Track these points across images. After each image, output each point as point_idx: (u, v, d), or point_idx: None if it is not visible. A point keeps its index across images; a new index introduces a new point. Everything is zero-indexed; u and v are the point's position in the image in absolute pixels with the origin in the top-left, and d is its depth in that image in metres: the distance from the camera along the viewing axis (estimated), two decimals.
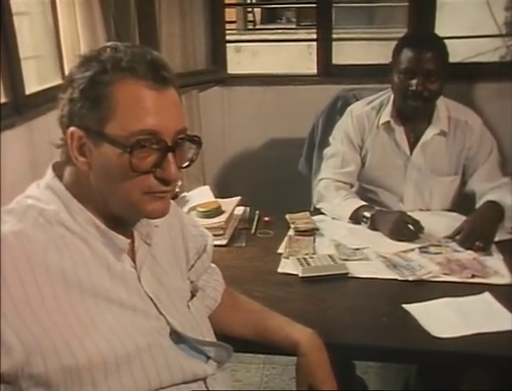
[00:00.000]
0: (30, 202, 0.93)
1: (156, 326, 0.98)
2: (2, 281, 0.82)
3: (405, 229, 1.77)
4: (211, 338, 1.10)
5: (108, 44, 0.94)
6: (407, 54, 1.89)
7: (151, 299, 0.99)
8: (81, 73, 0.90)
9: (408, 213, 1.83)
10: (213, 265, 1.29)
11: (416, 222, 1.78)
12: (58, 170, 0.97)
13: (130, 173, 0.89)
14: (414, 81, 1.87)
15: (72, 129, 0.91)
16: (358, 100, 2.23)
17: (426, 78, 1.86)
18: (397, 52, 1.94)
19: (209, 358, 1.06)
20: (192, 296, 1.12)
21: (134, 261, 1.00)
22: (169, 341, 0.99)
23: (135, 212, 0.95)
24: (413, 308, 1.37)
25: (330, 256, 1.62)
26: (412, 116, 1.98)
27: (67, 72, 2.48)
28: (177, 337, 1.01)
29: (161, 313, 1.00)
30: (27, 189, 0.98)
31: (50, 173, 0.97)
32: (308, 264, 1.57)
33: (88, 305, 0.90)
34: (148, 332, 0.96)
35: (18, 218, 0.89)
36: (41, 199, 0.93)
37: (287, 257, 1.67)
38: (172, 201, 1.20)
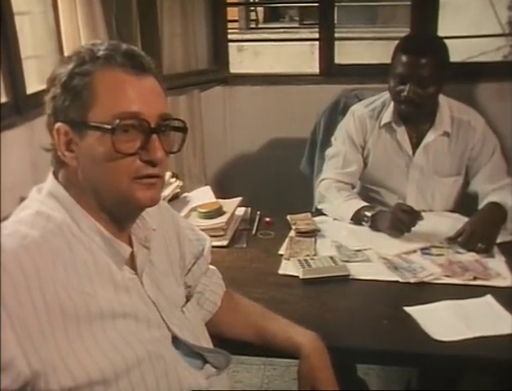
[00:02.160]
0: (36, 208, 0.91)
1: (158, 335, 0.97)
2: (16, 303, 0.80)
3: (403, 216, 1.75)
4: (206, 340, 1.09)
5: (89, 42, 0.96)
6: (401, 59, 1.87)
7: (154, 304, 0.98)
8: (61, 70, 0.92)
9: None
10: (213, 267, 1.28)
11: (412, 209, 1.76)
12: (57, 176, 0.96)
13: (114, 156, 0.89)
14: (406, 87, 1.85)
15: (58, 124, 0.91)
16: (360, 100, 2.22)
17: (418, 85, 1.84)
18: (394, 56, 1.92)
19: (206, 362, 1.06)
20: (186, 301, 1.11)
21: (132, 268, 0.98)
22: (170, 350, 0.98)
23: (126, 201, 0.92)
24: (415, 310, 1.36)
25: (331, 257, 1.61)
26: (410, 118, 1.97)
27: None
28: (176, 343, 1.00)
29: (163, 319, 0.99)
30: (28, 194, 0.96)
31: (51, 179, 0.96)
32: (309, 265, 1.56)
33: (92, 325, 0.87)
34: (150, 342, 0.94)
35: (28, 227, 0.87)
36: (44, 204, 0.92)
37: (288, 259, 1.66)
38: (167, 204, 1.19)
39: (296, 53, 5.56)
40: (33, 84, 2.25)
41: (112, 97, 0.89)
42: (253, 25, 10.19)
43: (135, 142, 0.90)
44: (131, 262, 0.99)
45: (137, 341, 0.92)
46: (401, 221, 1.75)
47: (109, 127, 0.88)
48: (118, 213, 0.96)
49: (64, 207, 0.92)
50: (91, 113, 0.89)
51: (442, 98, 1.97)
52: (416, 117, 1.96)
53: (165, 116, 0.94)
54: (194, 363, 1.04)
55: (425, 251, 1.70)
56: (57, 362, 0.83)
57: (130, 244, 1.00)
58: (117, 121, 0.88)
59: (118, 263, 0.95)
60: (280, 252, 1.72)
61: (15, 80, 2.10)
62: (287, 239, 1.80)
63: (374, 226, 1.83)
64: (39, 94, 2.19)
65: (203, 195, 2.00)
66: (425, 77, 1.84)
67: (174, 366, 0.97)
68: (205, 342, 1.09)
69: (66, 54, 2.35)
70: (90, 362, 0.86)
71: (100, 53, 0.91)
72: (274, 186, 3.06)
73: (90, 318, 0.87)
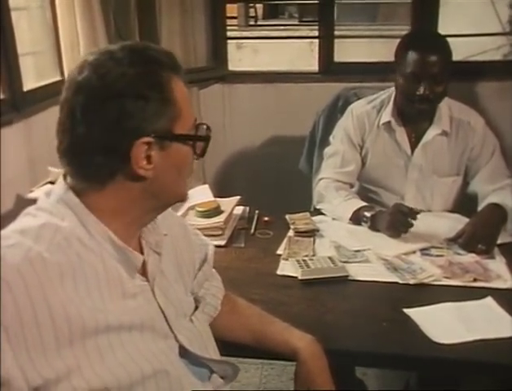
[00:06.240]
0: (43, 220, 0.86)
1: (165, 346, 0.94)
2: (17, 319, 0.77)
3: (401, 217, 1.74)
4: (213, 348, 1.07)
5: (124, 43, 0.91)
6: (412, 57, 1.85)
7: (162, 313, 0.96)
8: (122, 79, 0.86)
9: None
10: (213, 270, 1.26)
11: (410, 210, 1.75)
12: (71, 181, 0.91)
13: (191, 160, 0.96)
14: (421, 85, 1.83)
15: (145, 139, 0.87)
16: (359, 99, 2.21)
17: (433, 82, 1.83)
18: (401, 54, 1.90)
19: (213, 371, 1.04)
20: (195, 308, 1.10)
21: (143, 275, 0.95)
22: (176, 364, 0.95)
23: (180, 197, 0.99)
24: (414, 312, 1.35)
25: (330, 258, 1.59)
26: (416, 117, 1.95)
27: (65, 69, 2.40)
28: (183, 352, 0.98)
29: (171, 330, 0.96)
30: (24, 192, 0.93)
31: (61, 184, 0.91)
32: (308, 266, 1.55)
33: (98, 341, 0.84)
34: (155, 356, 0.91)
35: (33, 240, 0.83)
36: (53, 214, 0.88)
37: (286, 259, 1.64)
38: (175, 213, 1.18)
39: (295, 51, 5.53)
40: (31, 80, 2.23)
41: (187, 105, 0.92)
42: (252, 22, 10.16)
43: (201, 144, 0.97)
44: (142, 269, 0.96)
45: (143, 357, 0.89)
46: (399, 221, 1.74)
47: (202, 135, 0.95)
48: (161, 211, 0.98)
49: (75, 213, 0.88)
50: (177, 123, 0.91)
51: None
52: (420, 117, 1.94)
53: None
54: (201, 373, 1.02)
55: (424, 252, 1.68)
56: (61, 376, 0.80)
57: (141, 250, 0.97)
58: (194, 130, 0.94)
59: (130, 271, 0.92)
60: (279, 251, 1.70)
61: (12, 76, 2.08)
62: (285, 239, 1.78)
63: (373, 227, 1.82)
64: (36, 91, 2.20)
65: (201, 194, 1.98)
66: (438, 74, 1.83)
67: (179, 382, 0.94)
68: (213, 350, 1.07)
69: (63, 50, 2.33)
70: (95, 377, 0.83)
71: (163, 58, 0.90)
72: (273, 184, 3.05)
73: (98, 332, 0.84)
